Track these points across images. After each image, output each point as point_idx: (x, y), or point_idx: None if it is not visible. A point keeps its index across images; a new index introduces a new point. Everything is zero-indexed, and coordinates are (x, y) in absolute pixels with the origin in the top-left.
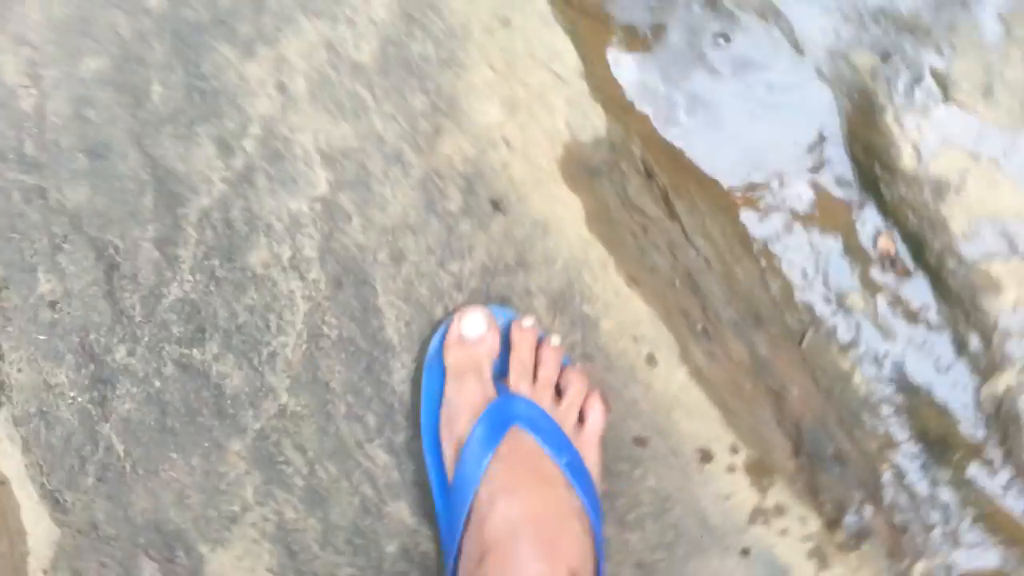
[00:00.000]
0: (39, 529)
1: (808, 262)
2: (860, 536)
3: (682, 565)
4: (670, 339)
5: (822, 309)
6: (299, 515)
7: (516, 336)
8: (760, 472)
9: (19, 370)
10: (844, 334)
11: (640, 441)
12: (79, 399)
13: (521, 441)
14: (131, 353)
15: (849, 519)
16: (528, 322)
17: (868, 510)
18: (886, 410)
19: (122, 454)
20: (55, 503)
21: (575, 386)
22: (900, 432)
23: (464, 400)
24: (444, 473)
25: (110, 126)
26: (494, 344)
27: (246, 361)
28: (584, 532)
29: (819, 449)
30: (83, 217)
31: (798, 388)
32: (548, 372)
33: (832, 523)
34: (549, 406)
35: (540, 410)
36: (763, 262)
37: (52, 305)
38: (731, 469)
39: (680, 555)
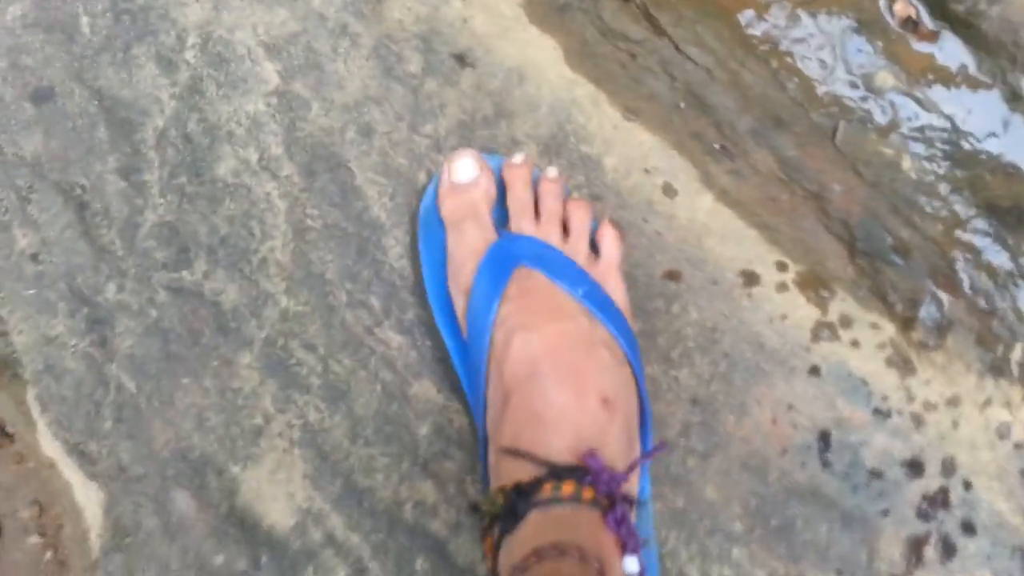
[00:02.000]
0: (91, 503)
1: (823, 50)
2: (941, 330)
3: (743, 393)
4: (686, 165)
5: (850, 96)
6: (323, 415)
7: (509, 175)
8: (816, 285)
9: (20, 332)
10: (880, 118)
11: (672, 275)
12: (80, 345)
13: (531, 279)
14: (121, 288)
15: (925, 314)
16: (519, 158)
17: (945, 299)
18: (944, 188)
19: (134, 390)
20: (82, 456)
21: (580, 215)
22: (965, 209)
23: (466, 248)
24: (460, 332)
25: (48, 68)
26: (489, 187)
27: (237, 272)
28: (617, 361)
29: (876, 245)
30: (43, 164)
31: (840, 185)
32: (550, 205)
33: (907, 323)
34: (557, 241)
35: (546, 245)
36: (773, 62)
37: (34, 258)
38: (782, 288)
39: (739, 384)
